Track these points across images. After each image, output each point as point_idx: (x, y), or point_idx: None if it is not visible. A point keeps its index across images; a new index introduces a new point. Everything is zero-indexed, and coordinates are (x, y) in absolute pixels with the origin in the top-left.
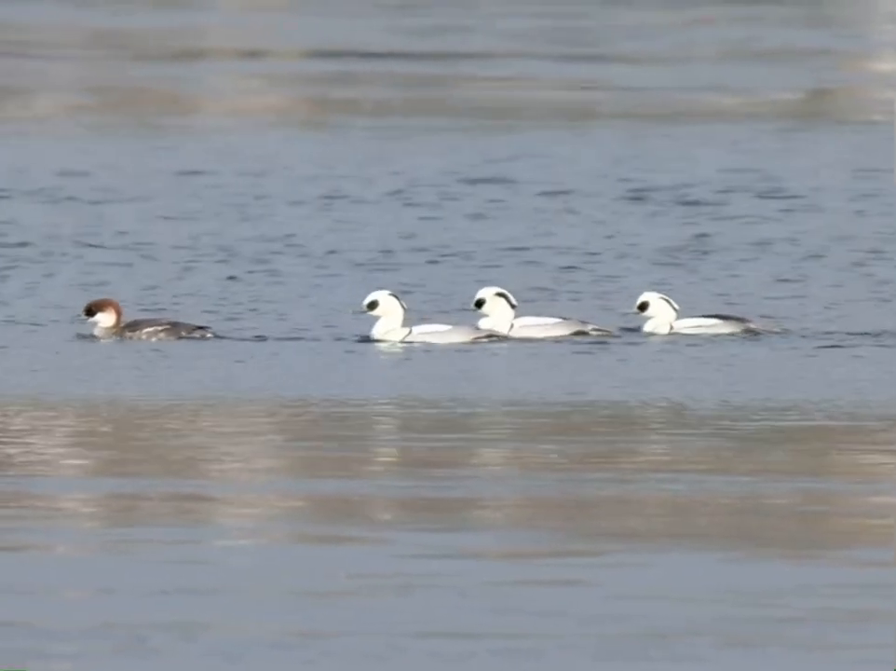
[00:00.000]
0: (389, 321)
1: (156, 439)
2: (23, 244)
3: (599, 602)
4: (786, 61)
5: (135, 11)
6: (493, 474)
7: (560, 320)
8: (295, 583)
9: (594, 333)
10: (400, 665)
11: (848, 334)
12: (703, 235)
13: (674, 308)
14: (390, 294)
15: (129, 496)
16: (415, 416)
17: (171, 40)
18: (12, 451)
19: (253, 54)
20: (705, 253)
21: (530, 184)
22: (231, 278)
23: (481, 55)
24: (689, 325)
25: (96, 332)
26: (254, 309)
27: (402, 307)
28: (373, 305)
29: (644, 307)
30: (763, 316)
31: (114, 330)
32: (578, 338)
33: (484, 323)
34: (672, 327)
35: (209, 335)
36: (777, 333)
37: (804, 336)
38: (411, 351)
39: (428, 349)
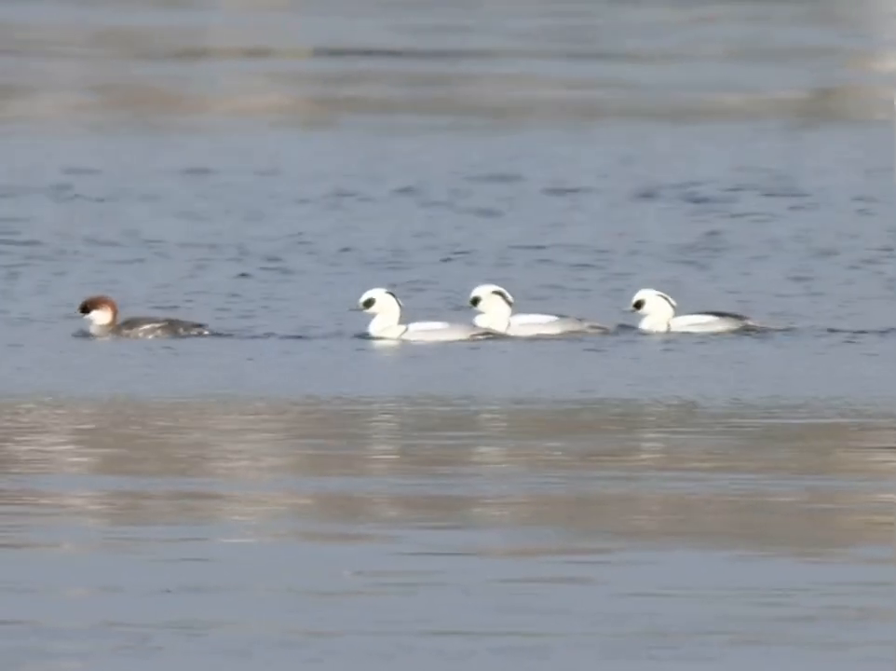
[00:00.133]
0: (386, 319)
1: (160, 437)
2: (34, 243)
3: (605, 600)
4: (792, 60)
5: (139, 10)
6: (498, 472)
7: (556, 317)
8: (300, 581)
9: (591, 330)
10: (405, 663)
11: (856, 331)
12: (712, 233)
13: (671, 306)
14: (387, 292)
15: (134, 494)
16: (420, 413)
17: (175, 39)
18: (17, 448)
19: (257, 53)
20: (715, 250)
21: (537, 182)
22: (243, 275)
23: (485, 53)
24: (686, 323)
25: (92, 329)
26: (266, 307)
27: (399, 304)
28: (369, 302)
29: (640, 304)
30: (773, 313)
31: (109, 327)
32: (578, 336)
33: (481, 321)
34: (669, 324)
35: (206, 332)
36: (774, 330)
37: (811, 334)
38: (411, 349)
39: (429, 346)
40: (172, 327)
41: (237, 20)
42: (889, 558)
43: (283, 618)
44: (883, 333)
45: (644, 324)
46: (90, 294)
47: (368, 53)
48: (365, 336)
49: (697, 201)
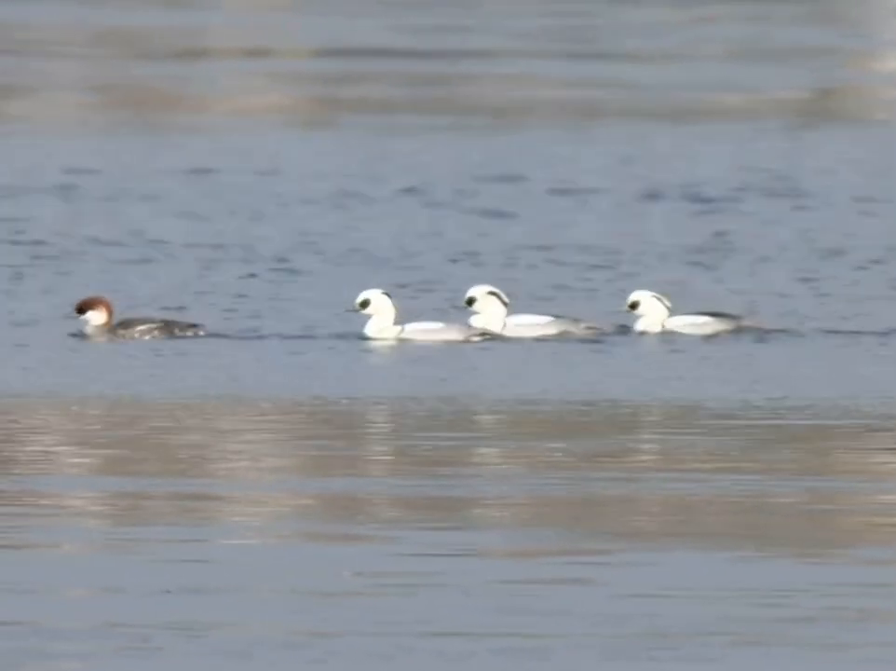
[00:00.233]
0: (381, 320)
1: (160, 437)
2: (37, 243)
3: (605, 601)
4: (793, 60)
5: (140, 10)
6: (499, 473)
7: (552, 318)
8: (300, 582)
9: (587, 331)
10: (405, 664)
11: (858, 332)
12: (717, 234)
13: (666, 307)
14: (382, 293)
15: (135, 495)
16: (419, 414)
17: (176, 39)
18: (18, 449)
19: (257, 53)
20: (721, 251)
21: (539, 182)
22: (249, 276)
23: (486, 53)
24: (682, 323)
25: (87, 330)
26: (269, 307)
27: (394, 305)
28: (365, 303)
29: (635, 305)
30: (780, 314)
31: (105, 328)
32: (573, 337)
33: (476, 321)
34: (664, 325)
35: (202, 332)
36: (768, 330)
37: (812, 334)
38: (408, 350)
39: (426, 347)
40: (168, 327)
41: (237, 20)
42: (889, 560)
43: (284, 619)
44: (885, 334)
45: (640, 325)
46: (86, 294)
47: (368, 53)
48: (361, 337)
49: (700, 202)
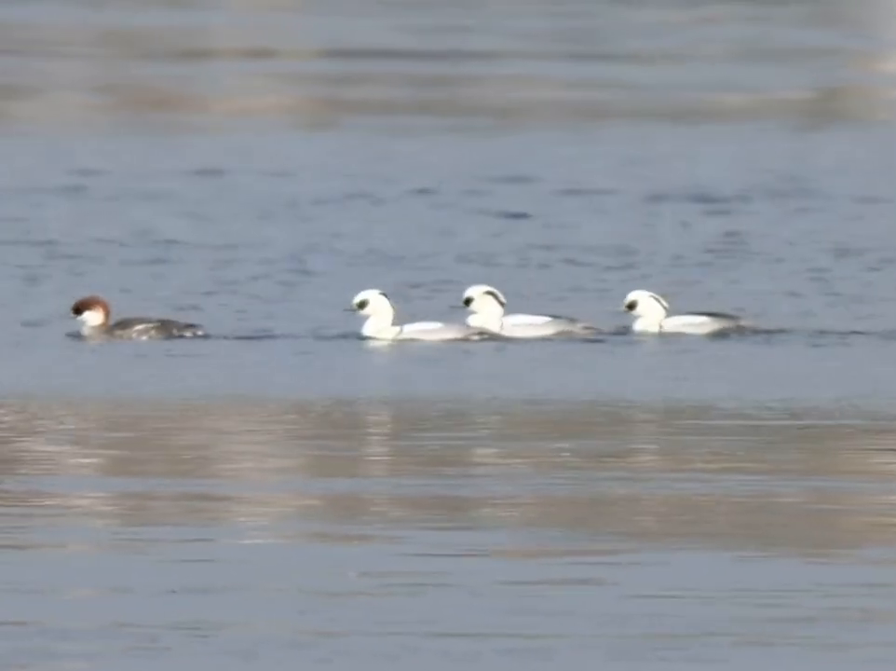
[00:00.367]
0: (379, 320)
1: (166, 438)
2: (50, 242)
3: (611, 601)
4: (795, 61)
5: (143, 10)
6: (505, 473)
7: (549, 318)
8: (307, 582)
9: (584, 331)
10: (411, 664)
11: (860, 332)
12: (727, 234)
13: (663, 307)
14: (380, 293)
15: (141, 495)
16: (422, 414)
17: (179, 39)
18: (23, 449)
19: (261, 53)
20: (724, 251)
21: (544, 183)
22: (256, 277)
23: (488, 54)
24: (679, 323)
25: (84, 331)
26: (276, 308)
27: (392, 305)
28: (362, 304)
29: (633, 306)
30: (788, 313)
31: (102, 328)
32: (573, 336)
33: (474, 321)
34: (661, 325)
35: (199, 332)
36: (767, 331)
37: (812, 335)
38: (407, 350)
39: (424, 347)
40: (165, 328)
41: (241, 21)
42: (893, 560)
43: (290, 619)
44: (891, 334)
45: (637, 325)
46: (83, 295)
47: (371, 54)
48: (360, 338)
49: (706, 202)
